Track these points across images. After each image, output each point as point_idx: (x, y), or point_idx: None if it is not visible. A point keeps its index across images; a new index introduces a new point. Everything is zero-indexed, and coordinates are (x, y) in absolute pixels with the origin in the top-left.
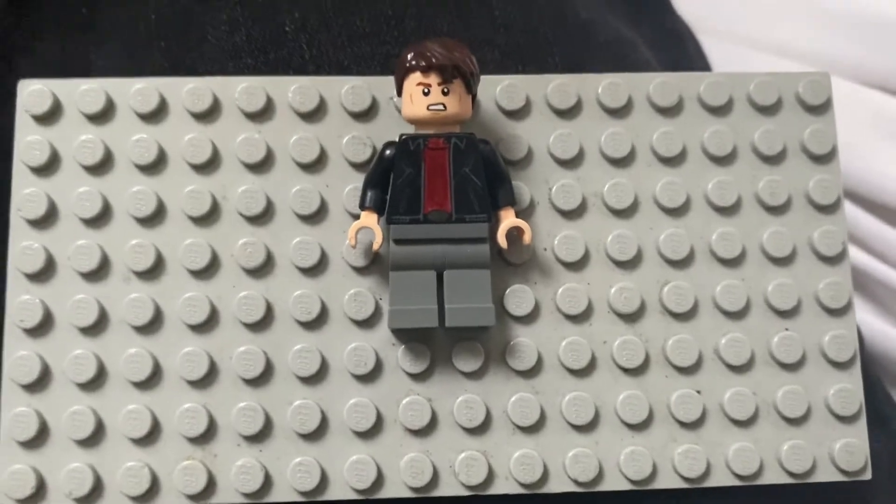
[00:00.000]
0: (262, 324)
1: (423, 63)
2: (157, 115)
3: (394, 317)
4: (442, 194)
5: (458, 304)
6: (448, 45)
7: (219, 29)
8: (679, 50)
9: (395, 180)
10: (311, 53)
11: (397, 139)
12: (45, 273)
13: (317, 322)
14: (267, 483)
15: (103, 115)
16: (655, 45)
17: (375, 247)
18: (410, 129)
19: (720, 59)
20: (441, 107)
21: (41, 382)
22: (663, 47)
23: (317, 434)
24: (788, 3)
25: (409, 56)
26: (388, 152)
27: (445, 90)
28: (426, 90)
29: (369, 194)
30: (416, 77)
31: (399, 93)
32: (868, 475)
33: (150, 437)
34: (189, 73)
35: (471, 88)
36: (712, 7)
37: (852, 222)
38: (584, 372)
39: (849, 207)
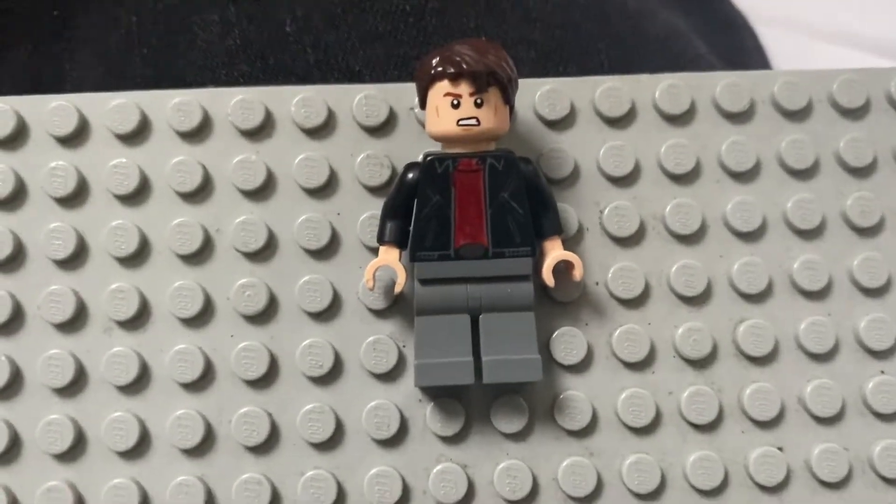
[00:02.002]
0: (265, 380)
1: (452, 69)
2: (138, 135)
3: (421, 372)
4: (476, 225)
5: (498, 355)
6: (480, 47)
7: (209, 31)
8: (735, 42)
9: (419, 209)
10: (316, 58)
11: (421, 159)
12: (10, 326)
13: (330, 377)
14: None
15: (76, 137)
16: (709, 38)
17: (398, 289)
18: (436, 147)
19: (780, 50)
20: (474, 121)
21: (10, 453)
22: (718, 40)
23: None
24: None
25: (434, 61)
26: (410, 176)
27: (479, 101)
28: (456, 102)
29: (389, 226)
30: (443, 86)
31: (422, 105)
32: None
33: None
34: (175, 83)
35: (508, 98)
36: None
37: None
38: (647, 430)
39: None
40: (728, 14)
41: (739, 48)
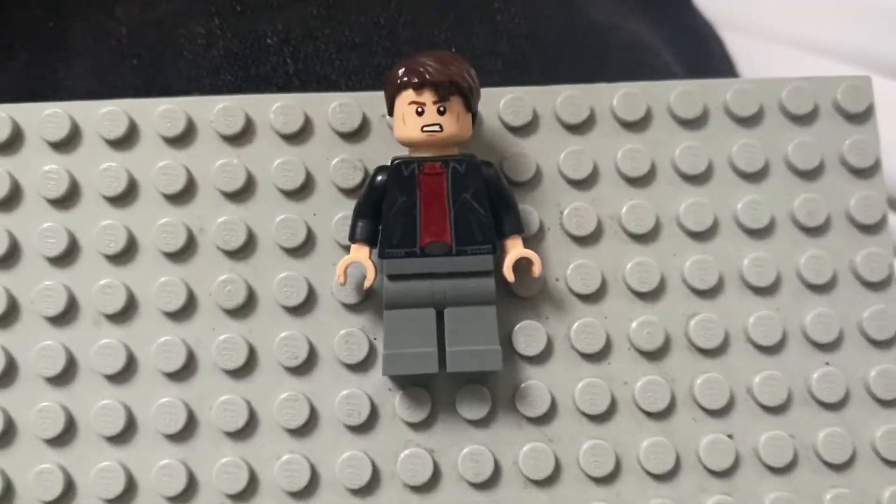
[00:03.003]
0: (244, 370)
1: (416, 79)
2: (126, 140)
3: (389, 362)
4: (440, 224)
5: (461, 346)
6: (443, 58)
7: (195, 43)
8: (702, 51)
9: (387, 210)
10: (295, 67)
11: (389, 162)
12: (6, 319)
13: (305, 367)
14: None
15: (68, 142)
16: (676, 48)
17: (367, 284)
18: (405, 151)
19: (746, 57)
20: (437, 128)
21: (5, 438)
22: (685, 49)
23: (306, 492)
24: None
25: (400, 72)
26: (379, 178)
27: (441, 109)
28: (420, 109)
29: (359, 225)
30: (408, 95)
31: (390, 112)
32: None
33: (125, 496)
34: (163, 91)
35: (470, 106)
36: (734, 1)
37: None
38: (603, 417)
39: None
40: (694, 25)
41: (705, 57)
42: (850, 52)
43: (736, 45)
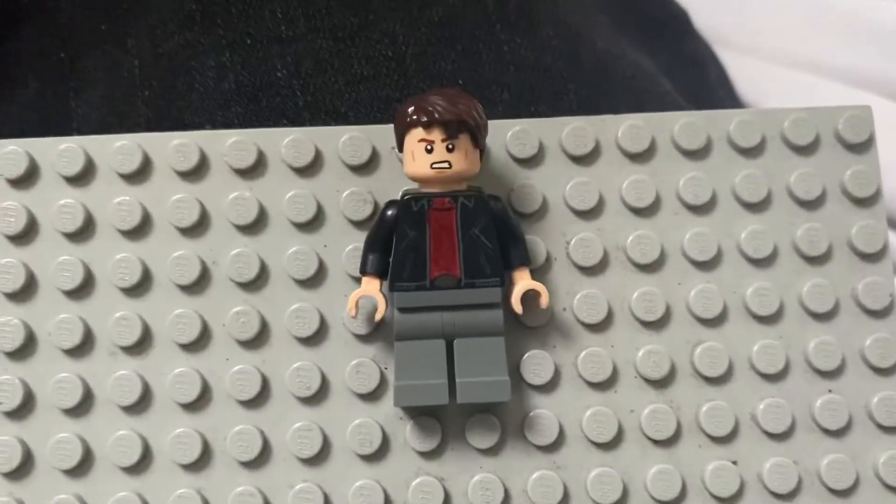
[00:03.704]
0: (257, 400)
1: (425, 118)
2: (140, 174)
3: (400, 393)
4: (450, 258)
5: (470, 377)
6: (451, 96)
7: (206, 76)
8: (701, 77)
9: (397, 244)
10: (305, 100)
11: (399, 197)
12: (23, 351)
13: (317, 397)
14: None
15: (83, 177)
16: (676, 74)
17: (378, 316)
18: (415, 184)
19: (745, 77)
20: (446, 165)
21: (23, 469)
22: (684, 75)
23: None
24: (820, 15)
25: (409, 110)
26: (389, 213)
27: (450, 146)
28: (429, 147)
29: (370, 258)
30: (417, 133)
31: (400, 148)
32: None
33: None
34: (175, 123)
35: (478, 142)
36: (736, 21)
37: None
38: (610, 445)
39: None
40: (694, 51)
41: (704, 83)
42: (850, 73)
43: (736, 65)
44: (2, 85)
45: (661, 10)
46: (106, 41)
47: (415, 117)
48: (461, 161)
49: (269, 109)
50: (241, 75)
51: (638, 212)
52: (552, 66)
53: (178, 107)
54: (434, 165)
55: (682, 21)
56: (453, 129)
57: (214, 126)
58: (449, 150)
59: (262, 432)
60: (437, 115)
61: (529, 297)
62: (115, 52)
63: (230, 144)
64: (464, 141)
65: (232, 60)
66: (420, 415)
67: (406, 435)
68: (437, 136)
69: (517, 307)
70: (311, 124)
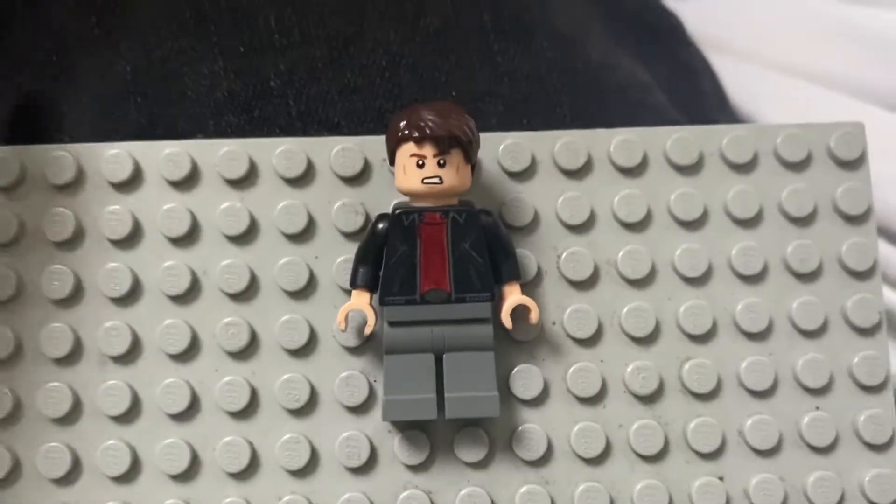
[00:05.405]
0: (246, 411)
1: (417, 133)
2: (131, 183)
3: (388, 408)
4: (440, 272)
5: (459, 392)
6: (443, 111)
7: (198, 83)
8: (694, 87)
9: (388, 258)
10: (298, 110)
11: (390, 211)
12: (11, 360)
13: (306, 409)
14: None
15: (74, 185)
16: (669, 86)
17: (368, 330)
18: (405, 198)
19: (739, 83)
20: (437, 180)
21: (11, 477)
22: (678, 85)
23: None
24: (815, 23)
25: (401, 125)
26: (380, 226)
27: (442, 162)
28: (420, 162)
29: (360, 271)
30: (409, 148)
31: (391, 162)
32: None
33: None
34: (168, 130)
35: (470, 158)
36: (730, 30)
37: (884, 261)
38: (598, 460)
39: (882, 247)
40: (688, 61)
41: (698, 93)
42: (845, 81)
43: (730, 73)
44: None
45: (655, 20)
46: (99, 44)
47: (406, 132)
48: (452, 176)
49: (262, 119)
50: (233, 84)
51: (629, 227)
52: (546, 78)
53: (171, 114)
54: (425, 180)
55: (676, 30)
56: (445, 144)
57: (207, 134)
58: (440, 166)
59: (250, 444)
60: (428, 131)
61: (519, 312)
62: (108, 58)
63: (222, 154)
64: (455, 156)
65: (225, 69)
66: (408, 428)
67: (394, 448)
68: (428, 151)
69: (507, 322)
70: (304, 134)
